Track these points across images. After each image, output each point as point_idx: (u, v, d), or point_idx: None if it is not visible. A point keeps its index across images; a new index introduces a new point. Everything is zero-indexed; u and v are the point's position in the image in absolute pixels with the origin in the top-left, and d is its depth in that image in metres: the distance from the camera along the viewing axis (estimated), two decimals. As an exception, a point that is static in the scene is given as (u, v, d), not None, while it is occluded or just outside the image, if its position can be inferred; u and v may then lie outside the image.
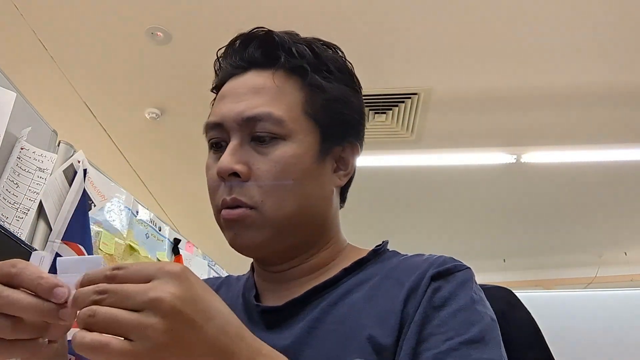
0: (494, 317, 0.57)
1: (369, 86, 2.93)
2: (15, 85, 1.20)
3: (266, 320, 0.62)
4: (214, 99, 0.68)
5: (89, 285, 0.40)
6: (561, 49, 2.59)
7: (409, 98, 2.97)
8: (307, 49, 0.64)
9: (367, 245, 0.71)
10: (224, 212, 0.60)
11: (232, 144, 0.60)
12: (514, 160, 3.40)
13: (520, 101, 2.98)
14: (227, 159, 0.59)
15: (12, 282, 0.42)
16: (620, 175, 3.78)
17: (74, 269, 0.42)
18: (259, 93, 0.61)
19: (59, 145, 1.40)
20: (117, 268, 0.41)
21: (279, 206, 0.59)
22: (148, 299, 0.38)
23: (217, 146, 0.63)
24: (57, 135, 1.40)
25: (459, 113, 3.10)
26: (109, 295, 0.39)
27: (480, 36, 2.52)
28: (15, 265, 0.43)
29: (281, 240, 0.61)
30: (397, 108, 3.05)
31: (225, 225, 0.61)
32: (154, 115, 3.14)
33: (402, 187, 4.07)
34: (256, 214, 0.59)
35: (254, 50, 0.64)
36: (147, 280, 0.40)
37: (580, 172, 3.72)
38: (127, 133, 3.37)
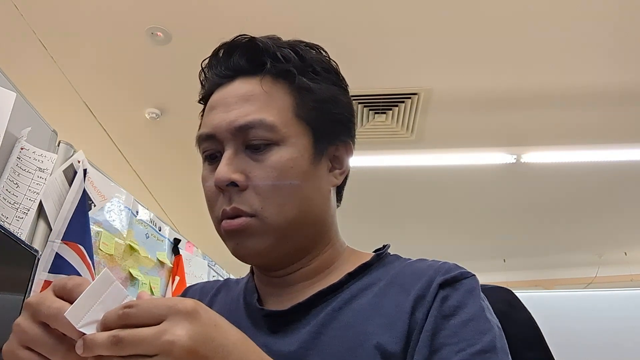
0: (499, 324, 0.57)
1: (369, 86, 2.95)
2: (15, 85, 1.20)
3: (270, 324, 0.61)
4: (202, 110, 0.68)
5: (104, 329, 0.40)
6: (561, 49, 2.59)
7: (409, 98, 2.97)
8: (291, 52, 0.63)
9: (366, 245, 0.71)
10: (225, 223, 0.59)
11: (227, 153, 0.59)
12: (514, 160, 3.40)
13: (520, 101, 2.98)
14: (224, 169, 0.58)
15: (63, 296, 0.43)
16: (620, 175, 3.78)
17: (90, 301, 0.42)
18: (249, 100, 0.61)
19: (59, 145, 1.40)
20: (129, 306, 0.40)
21: (279, 211, 0.59)
22: (160, 344, 0.38)
23: (211, 158, 0.62)
24: (57, 135, 1.40)
25: (459, 113, 3.10)
26: (124, 344, 0.39)
27: (480, 36, 2.52)
28: (75, 281, 0.44)
29: (284, 245, 0.61)
30: (397, 108, 3.05)
31: (227, 235, 0.60)
32: (154, 115, 3.14)
33: (402, 187, 4.07)
34: (257, 222, 0.58)
35: (239, 58, 0.63)
36: (159, 320, 0.40)
37: (580, 172, 3.72)
38: (127, 133, 3.37)
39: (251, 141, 0.59)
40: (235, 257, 0.62)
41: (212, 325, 0.41)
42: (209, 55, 0.67)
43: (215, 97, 0.64)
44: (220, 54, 0.65)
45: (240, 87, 0.62)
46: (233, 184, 0.59)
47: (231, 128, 0.60)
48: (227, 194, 0.59)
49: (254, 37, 0.64)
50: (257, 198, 0.59)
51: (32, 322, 0.43)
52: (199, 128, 0.66)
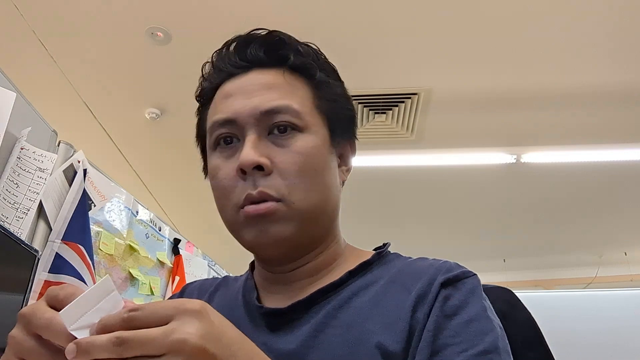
0: (500, 324, 0.57)
1: (369, 86, 2.95)
2: (15, 85, 1.20)
3: (269, 322, 0.61)
4: (201, 106, 0.67)
5: (105, 332, 0.39)
6: (561, 49, 2.59)
7: (409, 98, 2.97)
8: (308, 48, 0.65)
9: (366, 245, 0.71)
10: (250, 207, 0.57)
11: (251, 137, 0.58)
12: (514, 160, 3.40)
13: (520, 101, 2.98)
14: (250, 152, 0.57)
15: (56, 306, 0.42)
16: (620, 175, 3.78)
17: (86, 305, 0.40)
18: (272, 89, 0.61)
19: (59, 145, 1.40)
20: (134, 309, 0.39)
21: (304, 197, 0.58)
22: (170, 343, 0.37)
23: (226, 143, 0.61)
24: (57, 135, 1.40)
25: (459, 113, 3.11)
26: (129, 345, 0.37)
27: (480, 36, 2.52)
28: (65, 290, 0.43)
29: (305, 232, 0.60)
30: (397, 108, 3.05)
31: (249, 222, 0.58)
32: (154, 115, 3.14)
33: (402, 187, 4.07)
34: (284, 207, 0.57)
35: (257, 50, 0.63)
36: (166, 321, 0.39)
37: (580, 172, 3.72)
38: (127, 133, 3.37)
39: (277, 126, 0.59)
40: (255, 246, 0.60)
41: (219, 325, 0.41)
42: (209, 54, 0.67)
43: (230, 86, 0.63)
44: (234, 46, 0.65)
45: (260, 76, 0.62)
46: (259, 167, 0.57)
47: (256, 112, 0.59)
48: (251, 178, 0.58)
49: (273, 30, 0.65)
50: (283, 183, 0.58)
51: (25, 334, 0.42)
52: (199, 122, 0.66)
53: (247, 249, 0.63)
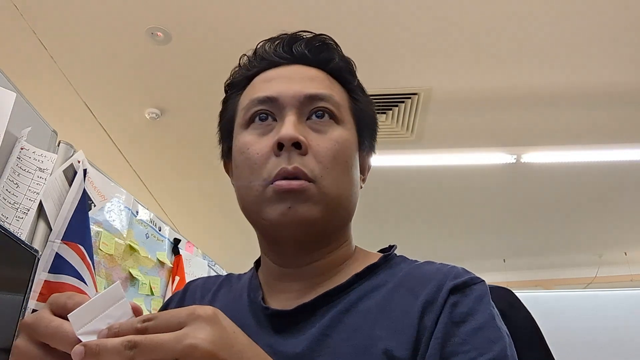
0: (508, 332, 0.56)
1: (369, 86, 2.93)
2: (15, 85, 1.20)
3: (275, 324, 0.60)
4: (229, 94, 0.68)
5: (116, 337, 0.39)
6: (561, 49, 2.59)
7: (409, 98, 2.97)
8: (349, 59, 0.68)
9: (366, 245, 0.71)
10: (283, 182, 0.57)
11: (292, 118, 0.60)
12: (514, 160, 3.40)
13: (520, 101, 2.99)
14: (291, 128, 0.58)
15: (62, 314, 0.42)
16: (620, 175, 3.78)
17: (95, 310, 0.41)
18: (315, 80, 0.63)
19: (59, 145, 1.40)
20: (148, 319, 0.40)
21: (335, 183, 0.59)
22: (181, 348, 0.38)
23: (262, 120, 0.62)
24: (57, 135, 1.40)
25: (459, 113, 3.11)
26: (140, 349, 0.37)
27: (480, 36, 2.52)
28: (72, 298, 0.43)
29: (328, 219, 0.60)
30: (397, 108, 3.05)
31: (278, 198, 0.57)
32: (154, 115, 3.14)
33: (402, 187, 4.08)
34: (315, 188, 0.58)
35: (303, 47, 0.65)
36: (178, 327, 0.39)
37: (580, 172, 3.72)
38: (127, 133, 3.37)
39: (316, 111, 0.61)
40: (276, 225, 0.58)
41: (231, 332, 0.41)
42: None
43: (272, 73, 0.65)
44: (280, 40, 0.67)
45: (303, 69, 0.65)
46: (296, 145, 0.58)
47: (300, 95, 0.61)
48: (286, 154, 0.58)
49: (321, 34, 0.67)
50: (317, 165, 0.59)
51: (30, 343, 0.42)
52: (225, 110, 0.68)
53: (267, 230, 0.62)
